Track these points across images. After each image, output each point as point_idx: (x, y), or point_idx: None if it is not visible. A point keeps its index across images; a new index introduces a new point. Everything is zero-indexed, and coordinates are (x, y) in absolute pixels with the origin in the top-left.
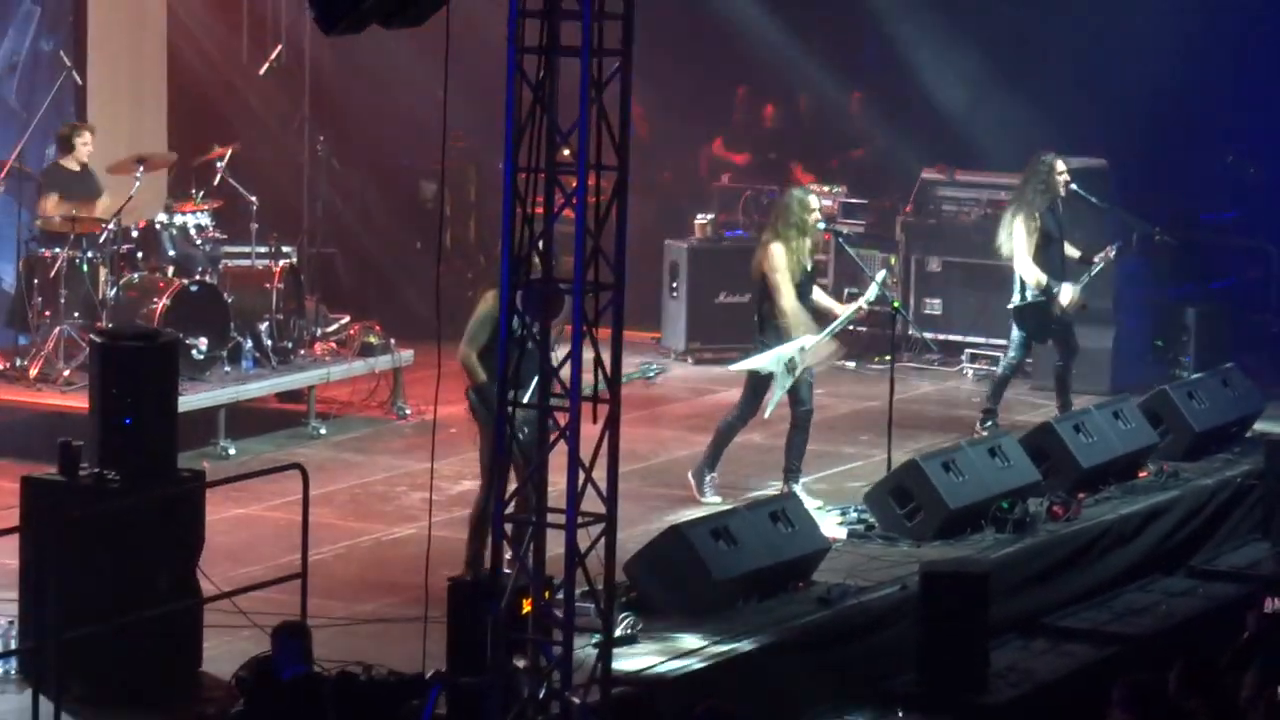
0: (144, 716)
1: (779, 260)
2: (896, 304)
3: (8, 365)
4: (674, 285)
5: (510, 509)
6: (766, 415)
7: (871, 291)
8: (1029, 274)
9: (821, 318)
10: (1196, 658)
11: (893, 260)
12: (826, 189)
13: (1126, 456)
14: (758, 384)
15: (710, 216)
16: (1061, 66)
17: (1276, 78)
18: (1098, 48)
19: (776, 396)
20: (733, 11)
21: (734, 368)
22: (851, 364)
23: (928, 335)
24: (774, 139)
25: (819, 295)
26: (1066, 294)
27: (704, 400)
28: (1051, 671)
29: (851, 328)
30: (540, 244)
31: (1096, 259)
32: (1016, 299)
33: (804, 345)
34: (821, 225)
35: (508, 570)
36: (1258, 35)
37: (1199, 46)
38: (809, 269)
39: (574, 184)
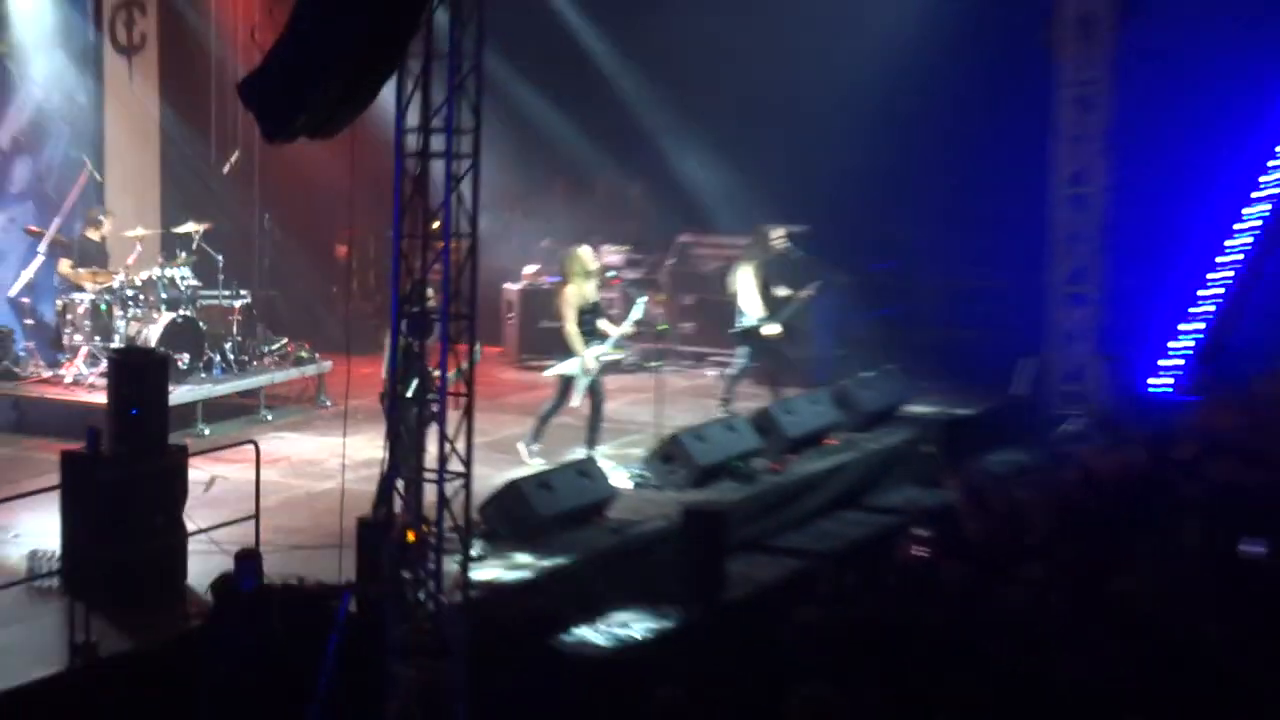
0: (146, 615)
1: (567, 298)
2: (663, 326)
3: (51, 374)
4: (510, 315)
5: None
6: (575, 403)
7: (635, 314)
8: (749, 308)
9: (605, 335)
10: None
11: (661, 297)
12: (617, 248)
13: (820, 429)
14: (566, 382)
15: (535, 268)
16: (775, 155)
17: (933, 165)
18: (800, 138)
19: (580, 388)
20: (550, 127)
21: (548, 372)
22: (631, 363)
23: (681, 347)
24: (579, 215)
25: (603, 322)
26: (772, 329)
27: (532, 394)
28: (769, 576)
29: (634, 343)
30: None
31: (800, 294)
32: (739, 324)
33: (596, 355)
34: (611, 273)
35: (399, 513)
36: (922, 131)
37: (876, 141)
38: (594, 302)
39: (440, 246)
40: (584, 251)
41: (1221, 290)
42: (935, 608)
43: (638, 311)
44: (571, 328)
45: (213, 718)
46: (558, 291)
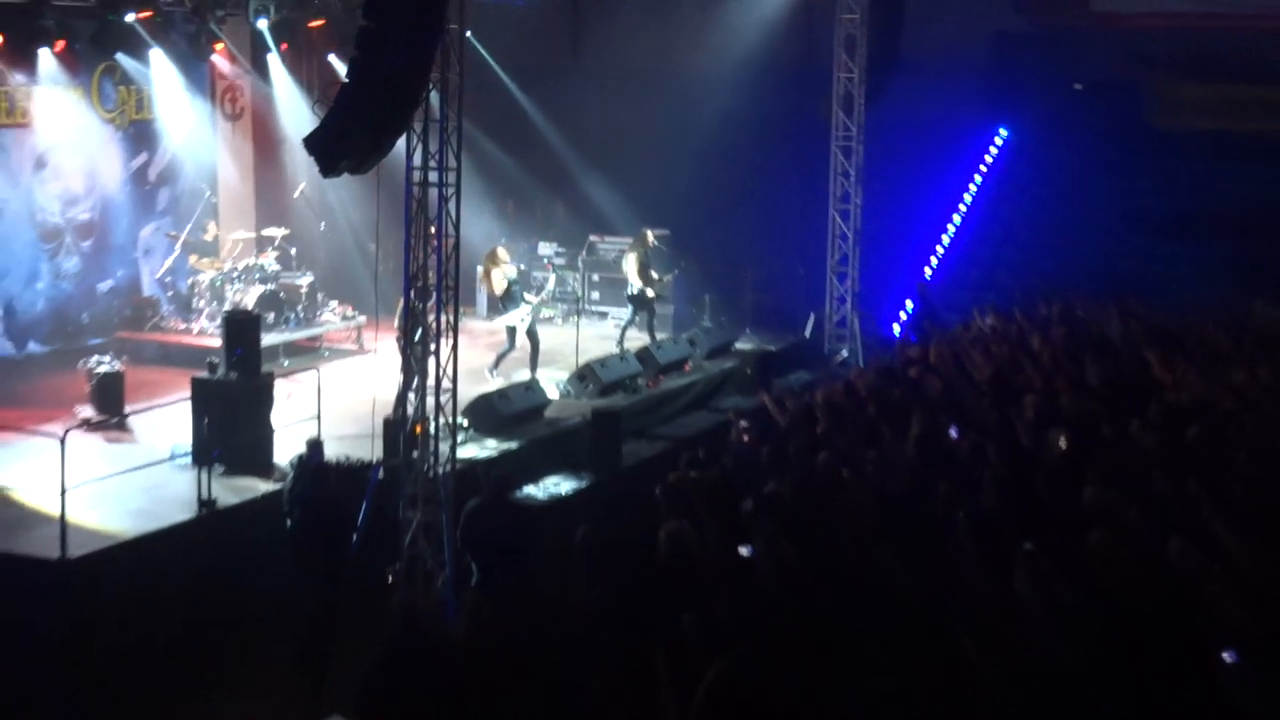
0: (247, 481)
1: (493, 278)
2: (580, 295)
3: (184, 328)
4: (482, 286)
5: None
6: (515, 345)
7: (547, 288)
8: (634, 282)
9: (528, 301)
10: None
11: (576, 276)
12: (549, 244)
13: (680, 359)
14: (510, 330)
15: None
16: (649, 182)
17: (751, 187)
18: (664, 170)
19: (516, 334)
20: (504, 167)
21: (495, 322)
22: (559, 319)
23: (596, 308)
24: (523, 224)
25: (528, 294)
26: (649, 294)
27: (496, 337)
28: (649, 453)
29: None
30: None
31: (665, 278)
32: (628, 292)
33: (524, 313)
34: (545, 260)
35: (410, 414)
36: (744, 163)
37: (712, 170)
38: (515, 280)
39: (435, 243)
40: (499, 249)
41: (931, 271)
42: (754, 472)
43: (549, 285)
44: (498, 296)
45: (294, 547)
46: (485, 272)
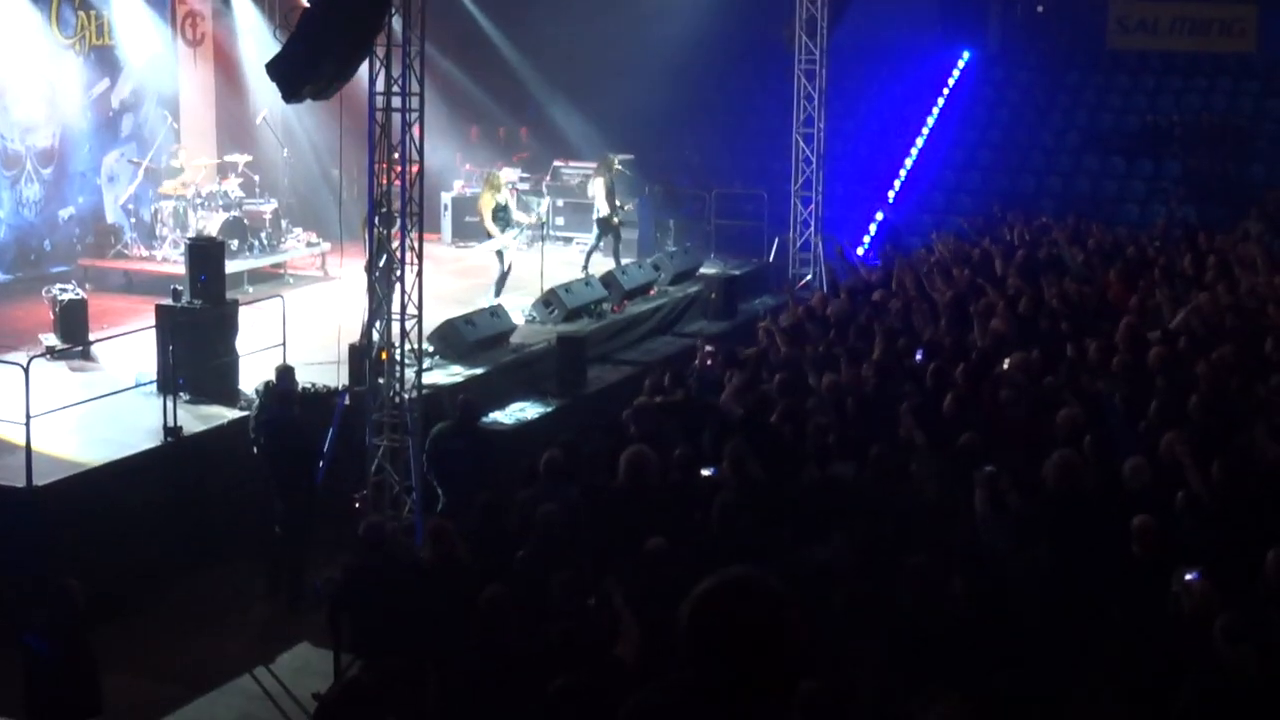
0: (213, 408)
1: (485, 202)
2: (544, 220)
3: (148, 255)
4: (445, 210)
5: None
6: (507, 265)
7: (532, 213)
8: (600, 207)
9: (515, 224)
10: None
11: (543, 201)
12: (514, 170)
13: (645, 284)
14: (499, 254)
15: (461, 182)
16: (613, 106)
17: (716, 110)
18: (627, 96)
19: (507, 256)
20: (467, 92)
21: (483, 246)
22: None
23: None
24: (487, 150)
25: (516, 213)
26: (614, 220)
27: (459, 264)
28: (614, 378)
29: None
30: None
31: (627, 206)
32: (595, 216)
33: (508, 240)
34: (509, 185)
35: (376, 340)
36: (709, 87)
37: (677, 94)
38: (504, 205)
39: (399, 169)
40: (491, 173)
41: (894, 195)
42: (717, 394)
43: (540, 212)
44: (488, 222)
45: (260, 473)
46: (479, 197)
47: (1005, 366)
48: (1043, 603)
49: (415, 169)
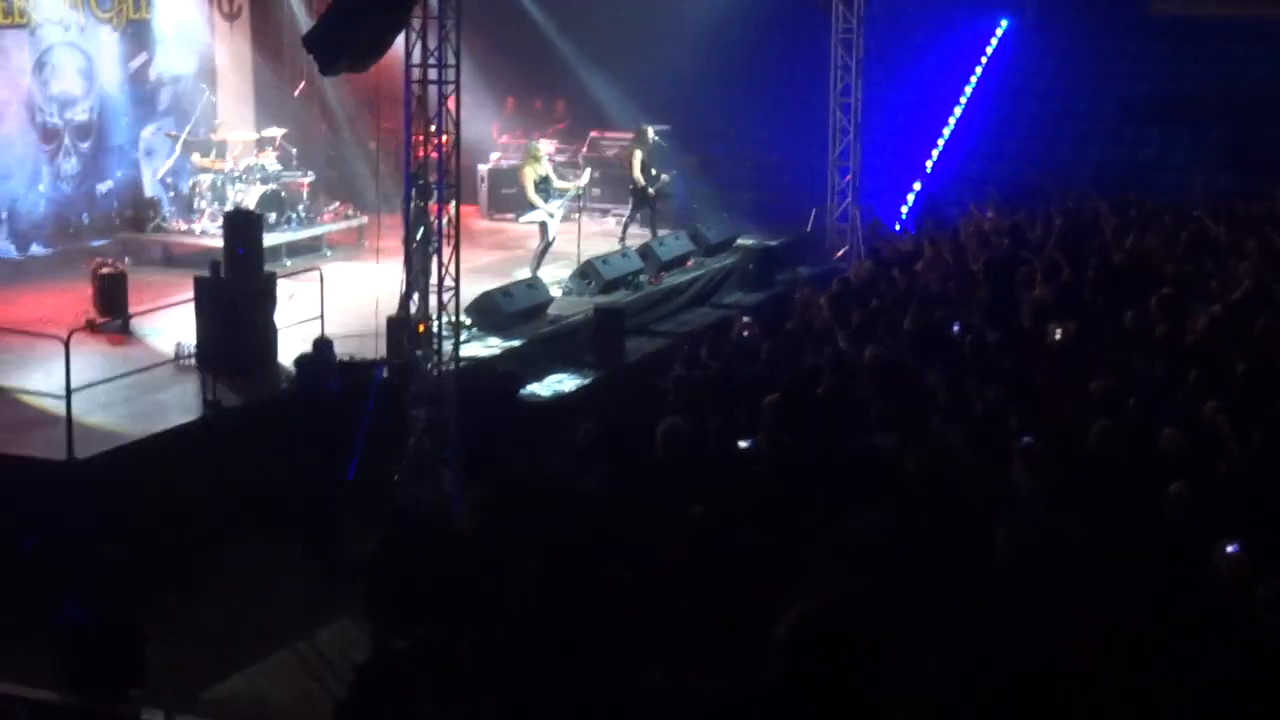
0: (251, 381)
1: (526, 174)
2: (581, 191)
3: (187, 228)
4: (481, 182)
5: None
6: (551, 236)
7: (581, 181)
8: (636, 178)
9: (559, 193)
10: None
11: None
12: (550, 141)
13: (681, 255)
14: (542, 226)
15: (498, 154)
16: (649, 80)
17: (754, 80)
18: (663, 66)
19: (552, 228)
20: (504, 65)
21: (522, 220)
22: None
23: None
24: (523, 121)
25: (557, 182)
26: (650, 191)
27: (496, 237)
28: (651, 349)
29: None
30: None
31: (664, 177)
32: (632, 188)
33: (551, 211)
34: (547, 157)
35: (414, 313)
36: (745, 57)
37: (713, 63)
38: (545, 176)
39: (436, 141)
40: (532, 145)
41: (932, 165)
42: (755, 366)
43: (584, 180)
44: (530, 193)
45: (299, 446)
46: (520, 171)
47: (1044, 336)
48: (1078, 572)
49: (450, 140)
